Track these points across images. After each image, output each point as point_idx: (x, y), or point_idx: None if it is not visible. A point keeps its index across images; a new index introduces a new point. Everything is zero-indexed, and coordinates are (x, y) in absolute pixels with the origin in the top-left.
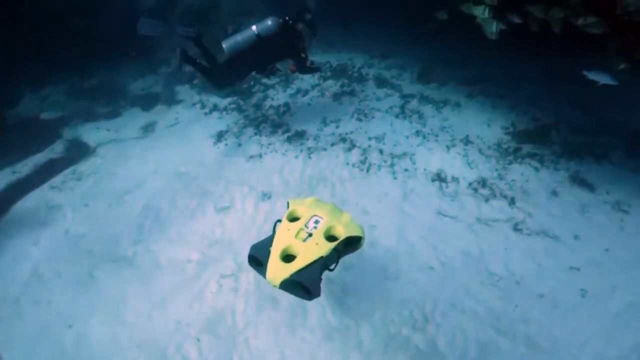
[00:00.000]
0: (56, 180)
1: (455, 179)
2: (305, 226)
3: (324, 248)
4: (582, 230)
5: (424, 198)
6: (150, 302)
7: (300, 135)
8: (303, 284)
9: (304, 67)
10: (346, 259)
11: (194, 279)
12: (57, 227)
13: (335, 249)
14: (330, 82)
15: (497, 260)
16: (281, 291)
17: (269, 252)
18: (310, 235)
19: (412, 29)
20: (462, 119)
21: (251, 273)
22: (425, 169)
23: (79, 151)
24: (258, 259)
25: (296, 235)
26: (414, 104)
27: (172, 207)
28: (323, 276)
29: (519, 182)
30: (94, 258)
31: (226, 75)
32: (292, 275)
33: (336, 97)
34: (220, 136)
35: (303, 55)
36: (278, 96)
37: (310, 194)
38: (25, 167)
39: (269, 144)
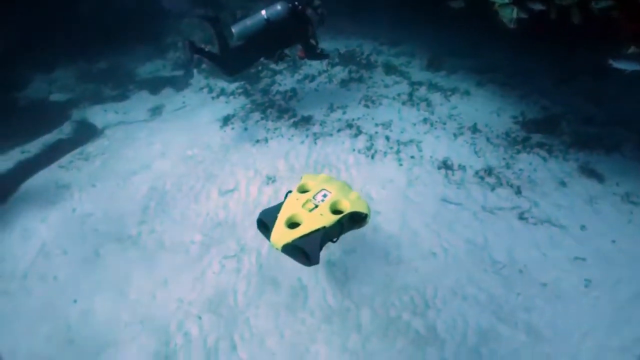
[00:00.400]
0: (64, 160)
1: (462, 167)
2: (314, 198)
3: (328, 219)
4: (589, 221)
5: (429, 185)
6: (154, 280)
7: (307, 120)
8: (303, 250)
9: (313, 53)
10: (349, 244)
11: (196, 260)
12: (65, 206)
13: (339, 222)
14: (338, 68)
15: (501, 248)
16: (282, 273)
17: (276, 218)
18: (316, 206)
19: (423, 16)
20: (471, 107)
21: (253, 255)
22: (431, 157)
23: (86, 133)
24: (265, 223)
25: (303, 205)
26: (422, 91)
27: (177, 190)
28: (325, 247)
29: (527, 171)
30: (100, 237)
31: (236, 61)
32: (294, 240)
33: (344, 83)
34: (226, 120)
35: (312, 41)
36: (285, 81)
37: None
38: (34, 147)
39: (275, 129)
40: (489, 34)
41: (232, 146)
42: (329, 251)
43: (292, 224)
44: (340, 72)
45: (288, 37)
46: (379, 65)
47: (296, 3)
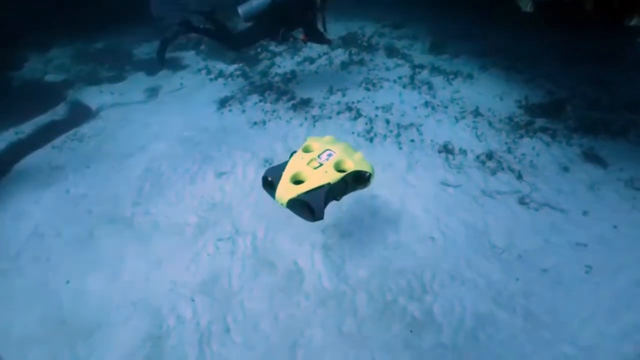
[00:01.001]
0: (58, 141)
1: (463, 151)
2: (318, 157)
3: (332, 176)
4: (591, 207)
5: (429, 169)
6: (147, 262)
7: (306, 103)
8: (308, 204)
9: (314, 37)
10: (346, 228)
11: (191, 242)
12: (59, 187)
13: (343, 180)
14: (339, 50)
15: (501, 233)
16: (278, 256)
17: (281, 176)
18: (321, 165)
19: None
20: (473, 91)
21: (248, 237)
22: (432, 140)
23: (81, 114)
24: (270, 180)
25: (308, 164)
26: (424, 74)
27: (173, 171)
28: (330, 205)
29: (529, 156)
30: (94, 218)
31: (240, 39)
32: (298, 195)
33: (344, 66)
34: (224, 102)
35: (319, 26)
36: (285, 64)
37: None
38: (28, 128)
39: (274, 111)
40: (494, 17)
41: (229, 128)
42: (325, 235)
43: (297, 182)
44: (341, 55)
45: (293, 19)
46: (380, 48)
47: None
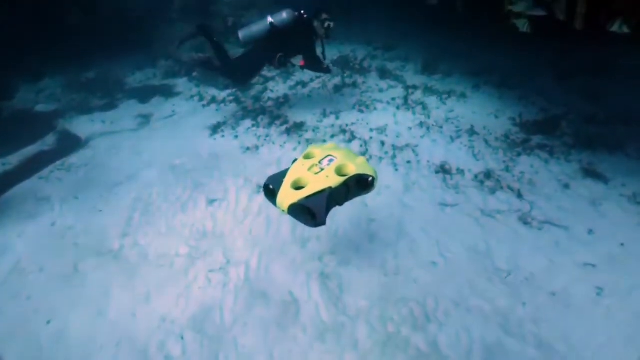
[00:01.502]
0: (45, 171)
1: (460, 171)
2: (319, 163)
3: (334, 181)
4: (596, 225)
5: (427, 190)
6: (135, 297)
7: (299, 126)
8: (309, 208)
9: (313, 65)
10: (343, 254)
11: (181, 274)
12: (44, 219)
13: (344, 184)
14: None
15: (505, 255)
16: (272, 286)
17: (282, 183)
18: (322, 170)
19: (417, 19)
20: (468, 110)
21: (242, 267)
22: (428, 161)
23: (70, 143)
24: (272, 188)
25: (309, 169)
26: (417, 95)
27: (163, 200)
28: (333, 211)
29: (528, 174)
30: (80, 251)
31: (243, 70)
32: (299, 200)
33: (337, 89)
34: (216, 128)
35: (318, 54)
36: (278, 88)
37: None
38: (15, 159)
39: (267, 136)
40: (483, 35)
41: (222, 154)
42: (322, 262)
43: (298, 188)
44: (333, 78)
45: (292, 45)
46: (373, 70)
47: (302, 12)
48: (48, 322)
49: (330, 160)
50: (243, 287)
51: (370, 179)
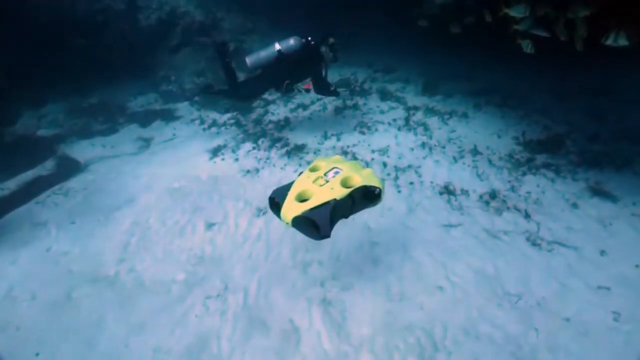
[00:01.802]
0: (43, 196)
1: (465, 192)
2: (325, 175)
3: (338, 192)
4: (607, 245)
5: (431, 212)
6: (129, 326)
7: (300, 149)
8: (313, 220)
9: (322, 89)
10: (346, 278)
11: (177, 301)
12: (39, 245)
13: (350, 196)
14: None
15: (515, 278)
16: (272, 314)
17: (286, 195)
18: (327, 182)
19: (417, 41)
20: (470, 130)
21: (240, 294)
22: (432, 182)
23: (70, 168)
24: (277, 201)
25: (313, 182)
26: (419, 116)
27: (161, 224)
28: (335, 234)
29: (535, 193)
30: (74, 278)
31: (248, 90)
32: (303, 212)
33: (338, 110)
34: (216, 151)
35: (324, 77)
36: (278, 111)
37: None
38: (13, 183)
39: (267, 159)
40: (484, 56)
41: (222, 177)
42: (324, 288)
43: (303, 200)
44: (334, 100)
45: (299, 71)
46: (374, 92)
47: (309, 39)
48: (37, 355)
49: (336, 173)
50: (241, 314)
51: (377, 190)
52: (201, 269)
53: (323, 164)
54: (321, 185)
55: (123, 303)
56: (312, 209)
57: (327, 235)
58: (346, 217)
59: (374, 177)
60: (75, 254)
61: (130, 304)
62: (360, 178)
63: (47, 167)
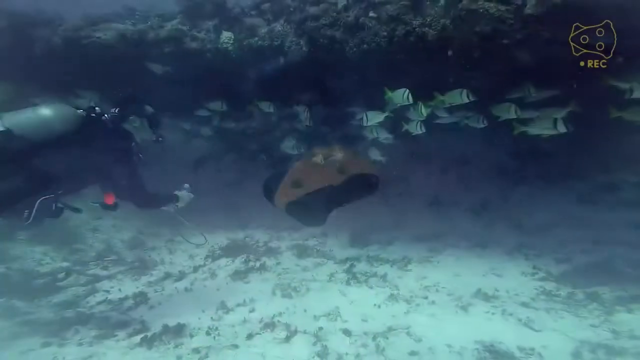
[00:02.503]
0: None
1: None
2: (322, 162)
3: (334, 180)
4: None
5: None
6: None
7: (175, 332)
8: (308, 207)
9: (135, 194)
10: None
11: None
12: None
13: (346, 183)
14: (223, 260)
15: None
16: None
17: (281, 182)
18: (324, 169)
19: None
20: (445, 274)
21: None
22: (449, 346)
23: None
24: (270, 187)
25: (310, 168)
26: (362, 266)
27: None
28: (335, 212)
29: None
30: None
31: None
32: (298, 198)
33: (238, 275)
34: None
35: (135, 174)
36: (122, 286)
37: None
38: None
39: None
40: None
41: None
42: None
43: (299, 187)
44: (228, 264)
45: (72, 170)
46: (284, 250)
47: (95, 106)
48: None
49: (334, 160)
50: None
51: (374, 179)
52: None
53: (321, 152)
54: (317, 173)
55: None
56: (307, 195)
57: (322, 223)
58: (342, 205)
59: (372, 166)
60: None
61: None
62: (357, 165)
63: None
